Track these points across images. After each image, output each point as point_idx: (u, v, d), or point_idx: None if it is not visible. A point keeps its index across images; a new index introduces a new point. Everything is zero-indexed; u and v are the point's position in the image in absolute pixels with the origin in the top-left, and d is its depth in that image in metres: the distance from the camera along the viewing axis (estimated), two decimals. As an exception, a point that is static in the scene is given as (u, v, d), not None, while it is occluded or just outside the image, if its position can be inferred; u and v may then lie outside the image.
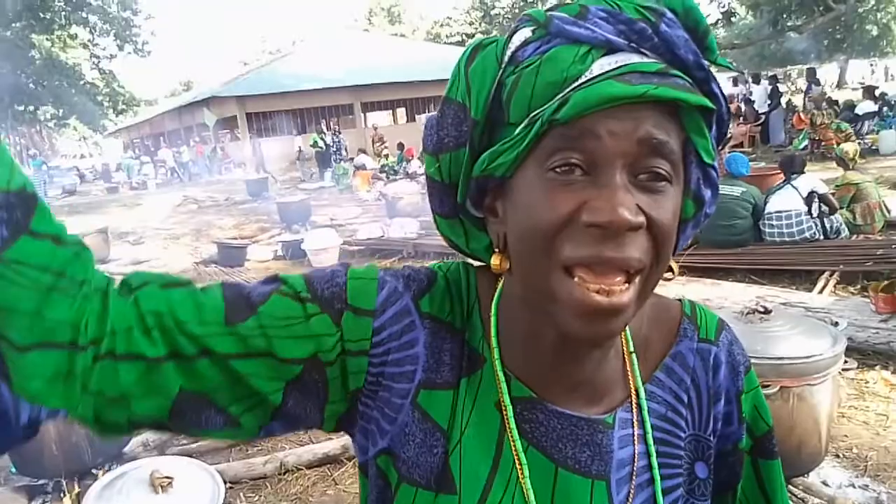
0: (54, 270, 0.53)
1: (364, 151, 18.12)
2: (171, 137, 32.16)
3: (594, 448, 0.65)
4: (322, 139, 19.06)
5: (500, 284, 0.67)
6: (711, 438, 0.70)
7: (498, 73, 0.57)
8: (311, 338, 0.61)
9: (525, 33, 0.57)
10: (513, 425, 0.64)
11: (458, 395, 0.65)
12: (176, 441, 3.57)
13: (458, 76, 0.60)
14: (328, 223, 10.36)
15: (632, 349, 0.68)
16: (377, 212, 11.08)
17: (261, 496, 3.10)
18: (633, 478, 0.66)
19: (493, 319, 0.66)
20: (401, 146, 17.27)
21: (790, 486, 2.62)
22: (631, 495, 0.66)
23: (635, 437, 0.66)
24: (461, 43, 41.75)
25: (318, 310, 0.62)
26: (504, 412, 0.64)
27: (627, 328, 0.68)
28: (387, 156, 17.32)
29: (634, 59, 0.54)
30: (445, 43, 40.72)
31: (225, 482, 2.95)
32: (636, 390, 0.67)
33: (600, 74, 0.53)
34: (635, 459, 0.66)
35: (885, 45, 31.17)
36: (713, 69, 0.58)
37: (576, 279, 0.54)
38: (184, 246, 9.94)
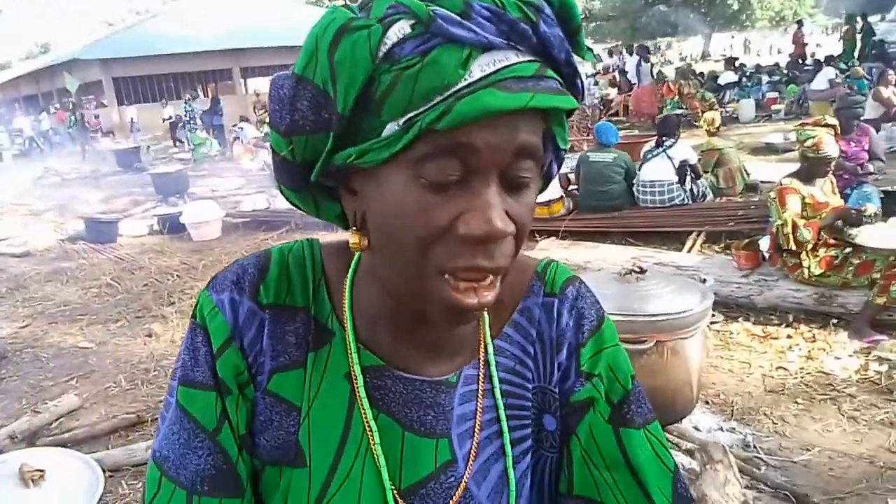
0: None
1: (246, 119, 17.35)
2: (27, 104, 29.41)
3: (437, 408, 0.67)
4: (191, 106, 17.97)
5: (356, 258, 0.69)
6: (555, 389, 0.72)
7: (371, 69, 0.53)
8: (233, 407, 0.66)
9: (403, 28, 0.53)
10: (363, 393, 0.66)
11: (306, 371, 0.67)
12: (47, 431, 3.33)
13: (316, 57, 0.55)
14: (209, 195, 9.90)
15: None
16: (262, 182, 10.69)
17: (144, 482, 2.96)
18: (479, 431, 0.68)
19: (347, 293, 0.68)
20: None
21: (666, 434, 2.81)
22: (474, 448, 0.68)
23: (481, 392, 0.69)
24: (345, 6, 40.55)
25: (221, 405, 0.65)
26: (355, 382, 0.66)
27: None
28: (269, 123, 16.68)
29: (511, 58, 0.53)
30: (328, 6, 39.53)
31: (104, 471, 2.79)
32: (485, 346, 0.70)
33: (480, 78, 0.52)
34: (478, 413, 0.68)
35: (745, 18, 33.45)
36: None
37: (447, 278, 0.56)
38: (47, 222, 9.18)
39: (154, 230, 8.06)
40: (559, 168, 0.67)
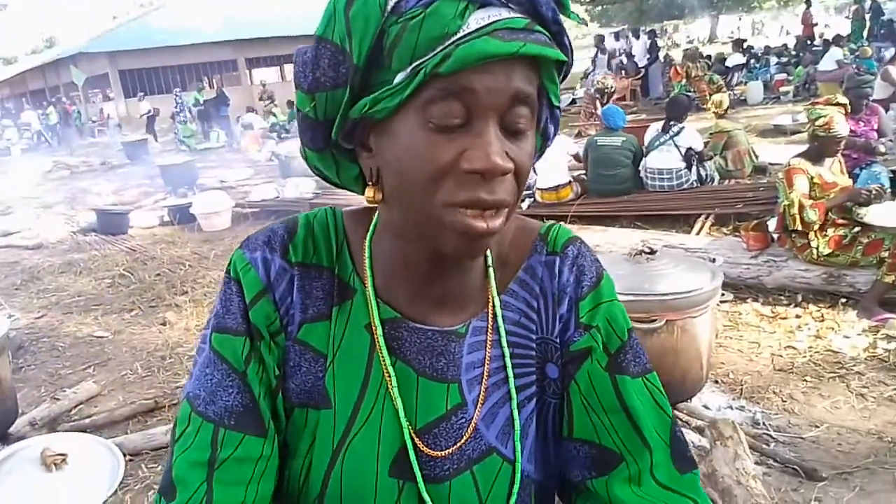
0: None
1: (253, 110, 17.38)
2: (34, 98, 29.53)
3: (448, 356, 0.74)
4: (201, 97, 18.03)
5: (374, 220, 0.75)
6: (557, 340, 0.78)
7: (381, 21, 0.60)
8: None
9: None
10: (382, 343, 0.73)
11: (331, 323, 0.74)
12: (66, 417, 3.39)
13: (334, 16, 0.62)
14: (217, 186, 9.94)
15: (489, 263, 0.77)
16: (270, 172, 10.74)
17: (164, 466, 3.02)
18: (486, 378, 0.75)
19: (367, 251, 0.75)
20: (291, 104, 16.71)
21: (675, 412, 2.84)
22: (483, 393, 0.75)
23: (489, 342, 0.75)
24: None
25: (251, 348, 0.72)
26: (375, 333, 0.73)
27: (489, 248, 0.75)
28: (276, 114, 16.71)
29: (504, 14, 0.60)
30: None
31: (124, 455, 2.85)
32: (492, 300, 0.76)
33: (476, 29, 0.58)
34: (487, 361, 0.75)
35: (752, 0, 33.07)
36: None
37: (456, 209, 0.61)
38: (58, 215, 9.26)
39: (165, 221, 8.11)
40: (556, 129, 0.73)
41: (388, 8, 0.60)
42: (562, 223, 0.84)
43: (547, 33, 0.62)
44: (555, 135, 0.74)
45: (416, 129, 0.60)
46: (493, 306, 0.76)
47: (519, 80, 0.60)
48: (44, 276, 6.34)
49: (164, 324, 4.68)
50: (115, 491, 2.63)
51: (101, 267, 6.40)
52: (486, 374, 0.75)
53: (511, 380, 0.75)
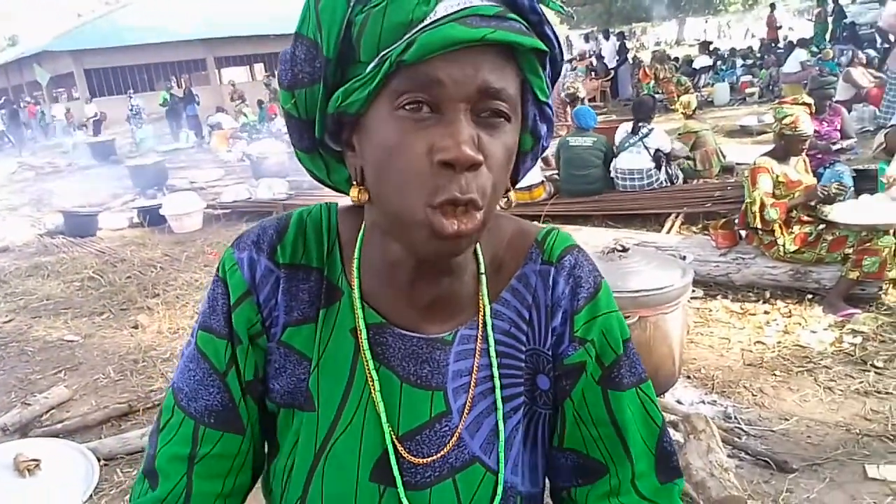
0: None
1: (222, 110, 17.18)
2: (-5, 97, 28.78)
3: (433, 364, 0.73)
4: (171, 96, 17.82)
5: (364, 222, 0.73)
6: (549, 352, 0.76)
7: (347, 11, 0.60)
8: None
9: None
10: (366, 347, 0.72)
11: (317, 326, 0.73)
12: (38, 423, 3.33)
13: (308, 12, 0.62)
14: (188, 187, 9.81)
15: (482, 270, 0.75)
16: (241, 173, 10.62)
17: (146, 452, 2.99)
18: (473, 387, 0.73)
19: (356, 252, 0.73)
20: (261, 103, 16.55)
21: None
22: (469, 401, 0.73)
23: (477, 351, 0.74)
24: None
25: (231, 352, 0.73)
26: (359, 337, 0.72)
27: (482, 252, 0.76)
28: (246, 114, 16.54)
29: (475, 1, 0.58)
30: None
31: (99, 459, 2.82)
32: (483, 309, 0.74)
33: (444, 16, 0.57)
34: (474, 370, 0.73)
35: (718, 3, 33.66)
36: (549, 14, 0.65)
37: (428, 210, 0.59)
38: (24, 217, 9.06)
39: (134, 223, 7.98)
40: (549, 129, 0.70)
41: None
42: (560, 229, 0.81)
43: (524, 22, 0.60)
44: (549, 134, 0.71)
45: (388, 121, 0.60)
46: (484, 315, 0.74)
47: (488, 71, 0.58)
48: (10, 279, 6.20)
49: (135, 327, 4.62)
50: (91, 496, 2.60)
51: (70, 270, 6.28)
52: (473, 383, 0.73)
53: (498, 390, 0.74)
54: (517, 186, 0.72)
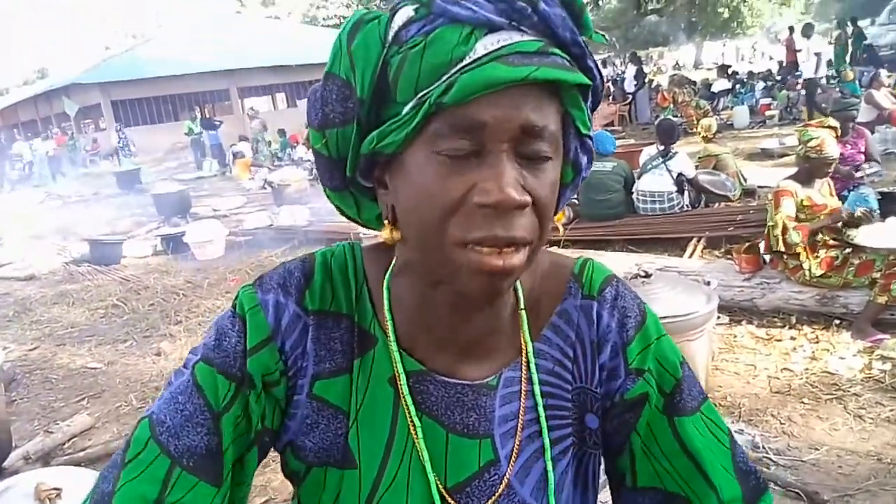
0: None
1: (245, 138, 17.46)
2: (26, 129, 29.58)
3: (479, 410, 0.70)
4: (195, 126, 18.21)
5: (393, 260, 0.71)
6: (597, 390, 0.73)
7: (382, 52, 0.58)
8: (253, 411, 0.68)
9: (407, 12, 0.58)
10: (408, 398, 0.68)
11: (353, 377, 0.69)
12: (60, 451, 3.35)
13: (340, 51, 0.61)
14: (211, 214, 9.94)
15: (521, 306, 0.72)
16: (263, 200, 10.75)
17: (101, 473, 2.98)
18: (520, 431, 0.70)
19: (385, 293, 0.70)
20: (282, 132, 16.80)
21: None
22: (516, 447, 0.70)
23: (522, 394, 0.71)
24: (339, 26, 40.73)
25: (235, 393, 0.67)
26: (399, 387, 0.69)
27: (520, 287, 0.73)
28: (269, 142, 16.80)
29: (516, 37, 0.56)
30: (323, 25, 39.84)
31: (120, 488, 2.82)
32: (526, 348, 0.71)
33: (485, 55, 0.55)
34: (521, 414, 0.70)
35: (736, 26, 33.66)
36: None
37: (469, 248, 0.57)
38: (50, 245, 9.21)
39: (158, 250, 8.09)
40: (590, 160, 0.68)
41: (389, 38, 0.58)
42: (594, 259, 0.79)
43: (566, 56, 0.58)
44: (589, 165, 0.69)
45: (426, 163, 0.57)
46: (528, 354, 0.71)
47: (530, 110, 0.56)
48: (36, 307, 6.29)
49: (158, 354, 4.65)
50: (112, 525, 2.60)
51: (94, 297, 6.36)
52: (519, 426, 0.70)
53: (545, 432, 0.71)
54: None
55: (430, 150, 0.57)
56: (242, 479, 0.69)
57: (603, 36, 0.64)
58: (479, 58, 0.55)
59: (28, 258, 8.38)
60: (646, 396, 0.72)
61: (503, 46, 0.55)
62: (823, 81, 11.60)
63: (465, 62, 0.55)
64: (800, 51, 12.54)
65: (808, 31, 12.11)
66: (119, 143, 18.58)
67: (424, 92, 0.56)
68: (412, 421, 0.68)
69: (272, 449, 0.73)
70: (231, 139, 18.05)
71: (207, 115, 20.07)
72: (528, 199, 0.57)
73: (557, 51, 0.58)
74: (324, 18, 44.17)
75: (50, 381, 4.43)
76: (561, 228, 0.68)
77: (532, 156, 0.58)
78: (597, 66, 0.62)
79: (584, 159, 0.67)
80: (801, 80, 12.20)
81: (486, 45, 0.55)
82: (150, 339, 5.04)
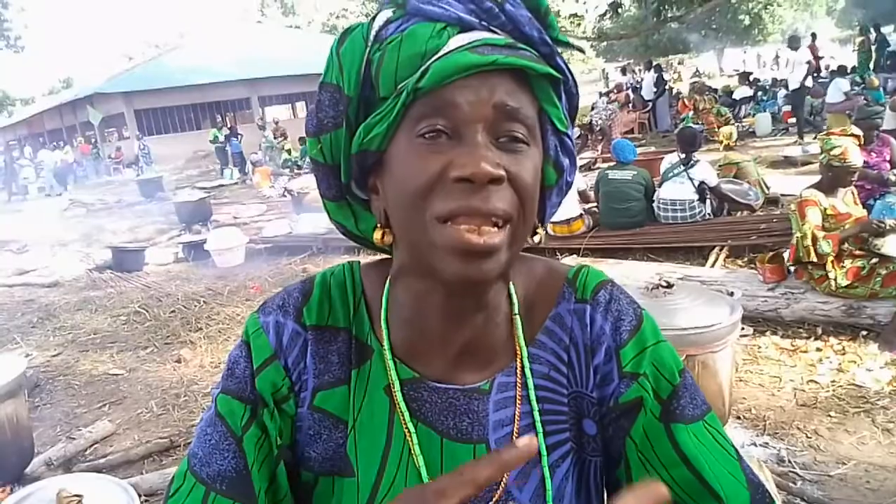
0: None
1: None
2: (52, 138, 30.11)
3: (472, 415, 0.70)
4: (220, 134, 18.46)
5: (389, 275, 0.72)
6: (593, 394, 0.72)
7: (365, 51, 0.63)
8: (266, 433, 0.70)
9: (386, 14, 0.63)
10: (402, 405, 0.70)
11: (350, 387, 0.71)
12: (82, 457, 3.38)
13: (331, 60, 0.65)
14: (231, 222, 10.04)
15: (516, 311, 0.72)
16: (283, 208, 10.83)
17: None
18: (516, 436, 0.70)
19: (383, 304, 0.72)
20: (303, 140, 16.92)
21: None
22: None
23: (518, 398, 0.71)
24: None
25: (251, 416, 0.69)
26: (394, 395, 0.70)
27: (515, 292, 0.73)
28: (289, 150, 16.94)
29: (486, 35, 0.60)
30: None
31: (140, 495, 2.83)
32: (520, 353, 0.71)
33: (457, 48, 0.59)
34: (516, 419, 0.70)
35: (757, 33, 33.40)
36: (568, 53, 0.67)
37: (448, 225, 0.58)
38: (74, 253, 9.35)
39: (179, 258, 8.18)
40: (573, 163, 0.69)
41: (371, 38, 0.63)
42: (590, 266, 0.78)
43: (534, 52, 0.62)
44: (573, 168, 0.70)
45: (407, 149, 0.60)
46: (522, 359, 0.72)
47: (503, 93, 0.59)
48: (60, 313, 6.37)
49: (178, 361, 4.68)
50: (132, 533, 2.61)
51: (117, 304, 6.43)
52: (515, 432, 0.70)
53: (541, 437, 0.70)
54: (556, 220, 0.69)
55: (410, 136, 0.60)
56: (280, 496, 0.71)
57: (566, 38, 0.65)
58: (452, 50, 0.59)
59: (52, 265, 8.51)
60: (640, 401, 0.70)
61: (474, 41, 0.59)
62: (811, 89, 11.41)
63: (438, 54, 0.59)
64: (822, 57, 12.38)
65: (793, 43, 11.88)
66: (140, 151, 18.94)
67: (403, 83, 0.60)
68: (407, 428, 0.69)
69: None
70: (252, 147, 18.25)
71: (229, 124, 20.30)
72: (502, 172, 0.58)
73: (525, 47, 0.61)
74: (344, 28, 44.49)
75: (72, 387, 4.47)
76: (541, 231, 0.69)
77: (508, 140, 0.60)
78: (567, 67, 0.65)
79: (565, 161, 0.68)
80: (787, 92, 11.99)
81: (458, 40, 0.60)
82: (171, 345, 5.07)
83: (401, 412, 0.69)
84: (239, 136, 18.19)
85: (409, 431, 0.69)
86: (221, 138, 18.29)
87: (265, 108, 28.74)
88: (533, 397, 0.71)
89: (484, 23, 0.61)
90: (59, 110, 30.77)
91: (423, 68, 0.59)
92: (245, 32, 30.79)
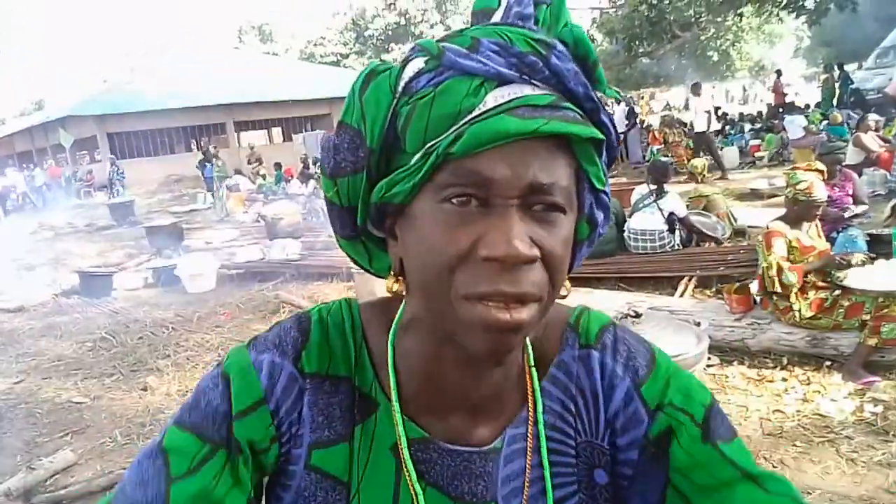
0: None
1: (240, 172, 17.56)
2: (21, 160, 29.66)
3: (487, 478, 0.67)
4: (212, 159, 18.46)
5: (397, 316, 0.68)
6: (605, 444, 0.70)
7: (392, 102, 0.58)
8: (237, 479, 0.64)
9: (418, 64, 0.58)
10: (410, 467, 0.66)
11: (353, 445, 0.66)
12: (42, 488, 3.28)
13: (352, 102, 0.61)
14: (203, 247, 9.93)
15: (532, 363, 0.70)
16: (256, 234, 10.75)
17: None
18: (527, 489, 0.67)
19: (389, 351, 0.67)
20: (278, 166, 16.91)
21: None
22: None
23: (528, 450, 0.68)
24: (336, 63, 41.47)
25: (223, 459, 0.63)
26: (401, 455, 0.66)
27: (528, 341, 0.70)
28: (264, 176, 16.89)
29: (527, 90, 0.55)
30: (320, 62, 40.38)
31: (102, 527, 2.75)
32: (535, 405, 0.69)
33: (494, 107, 0.54)
34: (526, 472, 0.67)
35: (725, 69, 34.36)
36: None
37: (477, 303, 0.55)
38: (41, 276, 9.15)
39: (149, 283, 8.05)
40: (606, 216, 0.66)
41: (399, 89, 0.58)
42: (590, 308, 0.76)
43: (577, 110, 0.57)
44: (606, 221, 0.66)
45: (433, 214, 0.56)
46: (536, 412, 0.68)
47: (539, 167, 0.55)
48: (23, 339, 6.23)
49: (144, 389, 4.60)
50: (91, 567, 2.54)
51: (83, 330, 6.31)
52: (525, 485, 0.67)
53: (549, 492, 0.68)
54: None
55: (436, 200, 0.56)
56: None
57: (617, 92, 0.63)
58: (489, 110, 0.54)
59: (18, 289, 8.32)
60: (670, 430, 0.67)
61: (513, 99, 0.54)
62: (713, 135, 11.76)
63: (474, 114, 0.54)
64: (786, 94, 12.76)
65: (696, 89, 12.28)
66: (115, 173, 18.77)
67: (433, 142, 0.55)
68: (414, 491, 0.65)
69: None
70: (228, 171, 18.14)
71: (203, 148, 20.23)
72: (536, 253, 0.55)
73: (569, 105, 0.56)
74: (321, 55, 44.78)
75: (34, 415, 4.36)
76: (568, 284, 0.64)
77: (542, 210, 0.57)
78: (611, 120, 0.61)
79: (600, 215, 0.65)
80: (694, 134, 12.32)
81: (496, 97, 0.55)
82: (138, 373, 4.98)
83: (408, 475, 0.66)
84: (218, 162, 18.09)
85: (416, 495, 0.65)
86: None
87: (241, 133, 28.67)
88: (544, 450, 0.68)
89: (525, 77, 0.55)
90: (30, 132, 30.35)
91: (456, 131, 0.54)
92: (222, 57, 30.84)
